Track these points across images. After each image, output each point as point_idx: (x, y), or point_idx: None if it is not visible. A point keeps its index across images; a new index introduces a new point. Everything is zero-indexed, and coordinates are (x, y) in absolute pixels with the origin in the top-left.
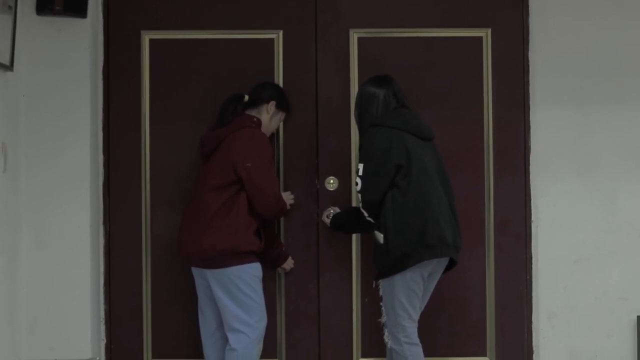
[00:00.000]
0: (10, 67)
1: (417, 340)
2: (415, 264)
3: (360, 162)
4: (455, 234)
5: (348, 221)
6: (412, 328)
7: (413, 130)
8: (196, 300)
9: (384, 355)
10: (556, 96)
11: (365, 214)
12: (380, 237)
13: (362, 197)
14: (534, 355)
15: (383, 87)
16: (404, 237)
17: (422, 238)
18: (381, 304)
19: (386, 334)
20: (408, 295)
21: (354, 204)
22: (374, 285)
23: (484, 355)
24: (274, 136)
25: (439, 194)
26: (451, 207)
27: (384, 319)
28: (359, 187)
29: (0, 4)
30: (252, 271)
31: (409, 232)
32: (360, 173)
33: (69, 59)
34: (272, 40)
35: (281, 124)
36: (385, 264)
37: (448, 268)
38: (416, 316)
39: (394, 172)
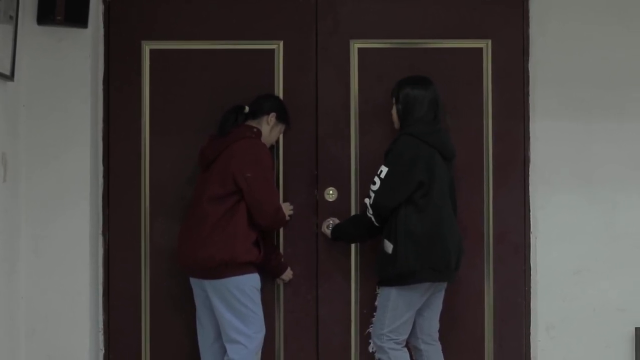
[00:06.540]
0: (10, 76)
1: (405, 349)
2: (418, 282)
3: (385, 165)
4: (459, 258)
5: (350, 228)
6: (398, 340)
7: (441, 148)
8: (195, 310)
9: None
10: (556, 107)
11: (370, 212)
12: (389, 247)
13: (374, 197)
14: None
15: (429, 89)
16: (414, 255)
17: (430, 260)
18: (374, 313)
19: (371, 344)
20: (403, 309)
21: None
22: (376, 291)
23: None
24: (273, 147)
25: (451, 217)
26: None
27: (371, 329)
28: (375, 187)
29: (2, 14)
30: (251, 282)
31: (419, 251)
32: (382, 176)
33: (69, 69)
34: (272, 50)
35: (281, 135)
36: (389, 274)
37: None
38: (405, 332)
39: (414, 187)
